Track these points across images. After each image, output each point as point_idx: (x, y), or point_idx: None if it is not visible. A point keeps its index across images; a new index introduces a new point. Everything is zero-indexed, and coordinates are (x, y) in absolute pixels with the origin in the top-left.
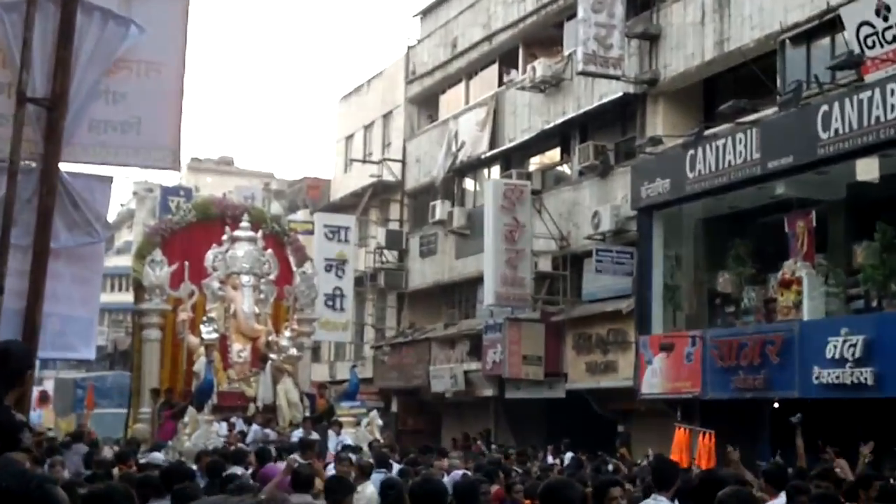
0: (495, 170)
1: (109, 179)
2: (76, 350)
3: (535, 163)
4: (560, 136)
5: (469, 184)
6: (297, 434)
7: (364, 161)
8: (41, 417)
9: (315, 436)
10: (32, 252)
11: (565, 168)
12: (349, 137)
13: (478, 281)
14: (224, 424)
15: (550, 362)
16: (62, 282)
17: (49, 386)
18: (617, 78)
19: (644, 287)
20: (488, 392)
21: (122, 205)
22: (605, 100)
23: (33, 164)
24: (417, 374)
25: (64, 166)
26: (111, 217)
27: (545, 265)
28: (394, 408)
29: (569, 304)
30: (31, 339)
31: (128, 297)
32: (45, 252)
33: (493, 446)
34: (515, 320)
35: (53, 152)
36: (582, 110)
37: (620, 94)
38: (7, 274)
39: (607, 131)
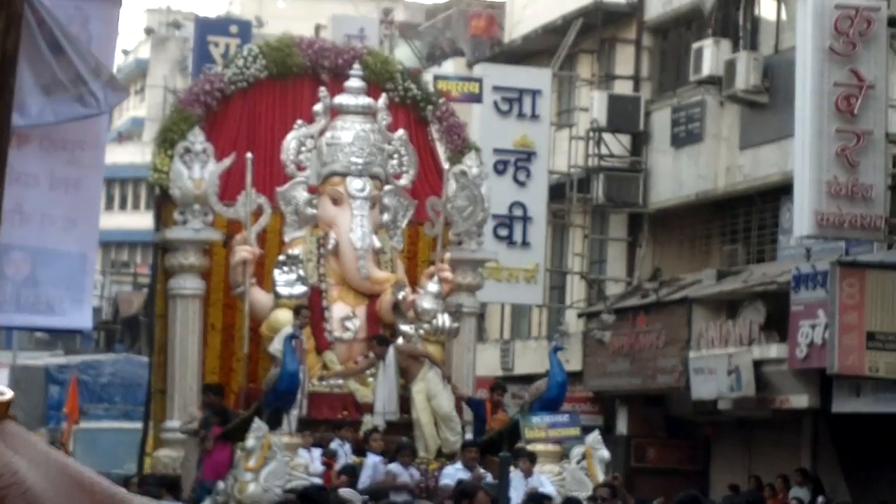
0: None
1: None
2: (59, 312)
3: None
4: None
5: (766, 7)
6: (451, 473)
7: None
8: None
9: (487, 477)
10: None
11: None
12: None
13: (781, 192)
14: (318, 453)
15: None
16: (35, 188)
17: (2, 377)
18: None
19: None
20: (801, 401)
21: (125, 52)
22: None
23: None
24: (666, 367)
25: None
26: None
27: None
28: (621, 427)
29: None
30: None
31: (140, 221)
32: (2, 135)
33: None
34: (853, 266)
35: None
36: None
37: None
38: None
39: None
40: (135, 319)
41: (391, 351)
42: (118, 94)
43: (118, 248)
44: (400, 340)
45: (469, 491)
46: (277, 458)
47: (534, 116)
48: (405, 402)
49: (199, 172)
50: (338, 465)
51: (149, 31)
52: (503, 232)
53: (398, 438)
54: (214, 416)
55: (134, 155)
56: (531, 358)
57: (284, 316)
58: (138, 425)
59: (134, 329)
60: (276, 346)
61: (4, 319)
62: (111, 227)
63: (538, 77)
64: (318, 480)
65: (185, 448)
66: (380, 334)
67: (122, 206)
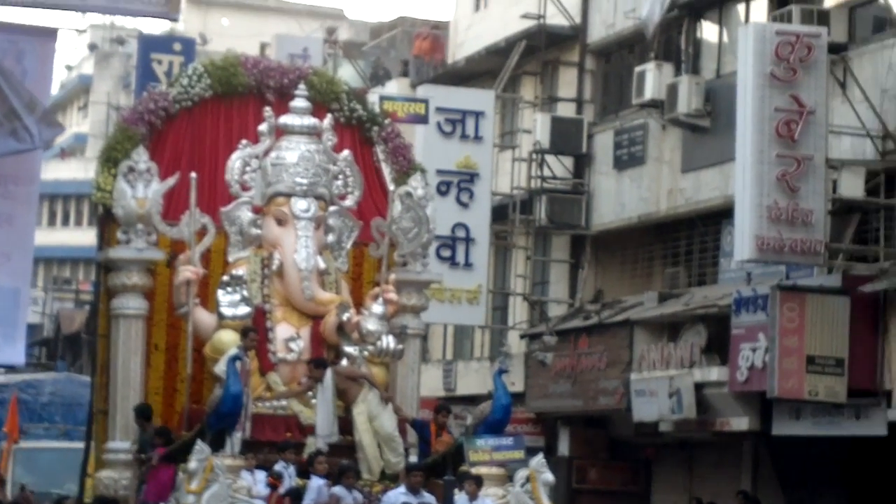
0: (758, 5)
1: (52, 34)
2: None
3: None
4: None
5: (708, 31)
6: (394, 498)
7: None
8: None
9: (429, 500)
10: None
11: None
12: None
13: (722, 215)
14: (262, 474)
15: (858, 371)
16: None
17: None
18: None
19: None
20: (741, 424)
21: (68, 68)
22: None
23: None
24: (607, 388)
25: None
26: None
27: (852, 187)
28: (563, 448)
29: None
30: None
31: (82, 238)
32: None
33: None
34: (793, 290)
35: None
36: None
37: None
38: None
39: None
40: (76, 337)
41: (328, 373)
42: (53, 129)
43: (60, 264)
44: (344, 362)
45: None
46: (220, 480)
47: (477, 138)
48: (346, 424)
49: (142, 191)
50: (282, 488)
51: (92, 47)
52: (446, 253)
53: (341, 461)
54: (157, 436)
55: (77, 171)
56: (473, 378)
57: (228, 337)
58: (79, 445)
59: (75, 346)
60: (220, 367)
61: None
62: (53, 244)
63: (481, 98)
64: (259, 503)
65: (130, 469)
66: (317, 357)
67: (65, 222)
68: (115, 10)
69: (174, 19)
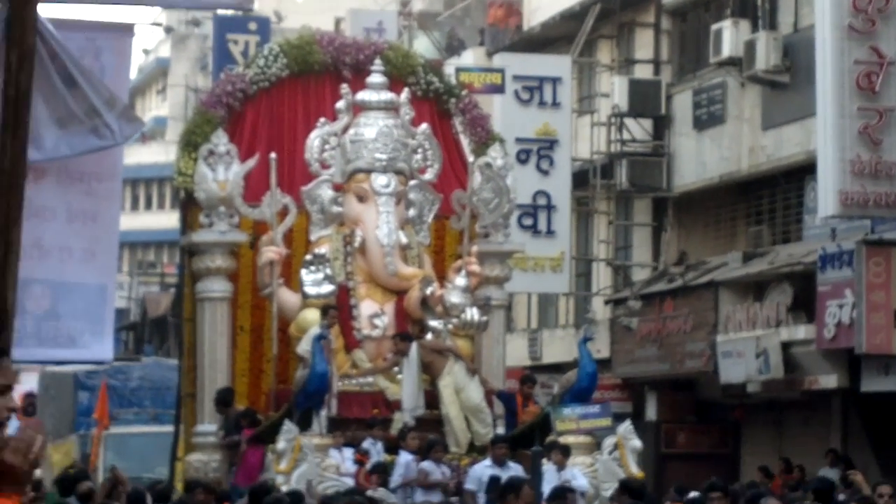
0: None
1: (129, 29)
2: (80, 345)
3: None
4: None
5: None
6: (479, 471)
7: None
8: None
9: (516, 471)
10: None
11: None
12: None
13: (805, 171)
14: (349, 452)
15: None
16: (53, 222)
17: (29, 383)
18: None
19: None
20: (829, 381)
21: (146, 52)
22: None
23: None
24: (694, 351)
25: (48, 9)
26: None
27: None
28: (650, 413)
29: None
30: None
31: (165, 221)
32: (19, 170)
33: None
34: (879, 245)
35: None
36: None
37: None
38: None
39: None
40: (163, 320)
41: (414, 347)
42: (133, 124)
43: (144, 248)
44: (429, 336)
45: (505, 488)
46: (308, 459)
47: (555, 104)
48: (432, 398)
49: (223, 174)
50: (369, 464)
51: (168, 30)
52: (528, 221)
53: (428, 435)
54: (242, 418)
55: (158, 154)
56: (559, 346)
57: (313, 315)
58: (169, 429)
59: (162, 330)
60: (303, 347)
61: (26, 354)
62: (137, 228)
63: (558, 64)
64: (349, 481)
65: (220, 452)
66: (402, 332)
67: (148, 205)
68: (191, 4)
69: (250, 9)
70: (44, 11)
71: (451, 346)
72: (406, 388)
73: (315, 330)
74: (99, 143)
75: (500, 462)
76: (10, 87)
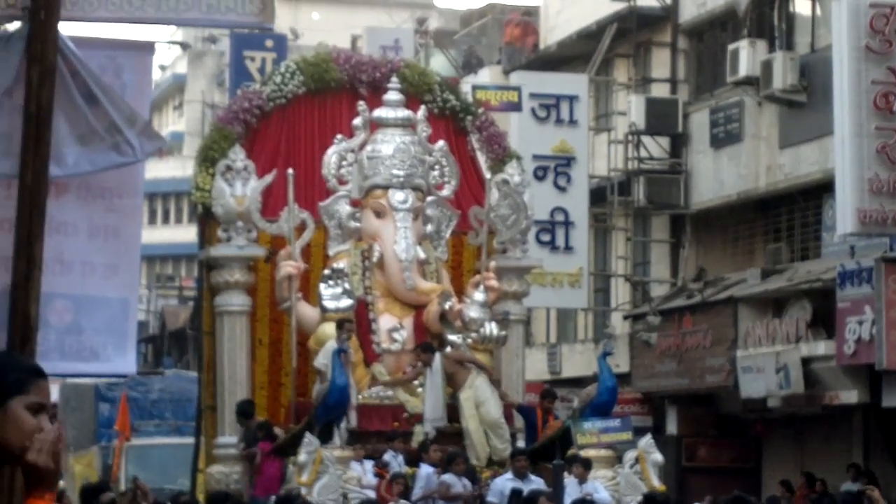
0: None
1: (149, 47)
2: (103, 359)
3: None
4: None
5: (801, 6)
6: (500, 484)
7: None
8: None
9: (537, 484)
10: (19, 186)
11: None
12: None
13: (823, 189)
14: (370, 465)
15: None
16: (74, 237)
17: (52, 395)
18: None
19: None
20: (850, 397)
21: (162, 68)
22: None
23: (11, 27)
24: (714, 366)
25: (69, 27)
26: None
27: None
28: (671, 427)
29: None
30: (23, 342)
31: (183, 235)
32: (41, 186)
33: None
34: None
35: (50, 3)
36: None
37: None
38: None
39: None
40: (182, 333)
41: (437, 358)
42: (154, 141)
43: (162, 261)
44: (448, 350)
45: (536, 498)
46: (330, 471)
47: (572, 122)
48: (453, 411)
49: (241, 189)
50: (389, 476)
51: (185, 46)
52: (545, 237)
53: (449, 448)
54: (258, 430)
55: (175, 169)
56: (578, 361)
57: (331, 329)
58: (190, 440)
59: (181, 342)
60: (320, 361)
61: (49, 367)
62: (155, 241)
63: (575, 83)
64: (370, 493)
65: (241, 464)
66: (425, 342)
67: (165, 219)
68: (210, 23)
69: (270, 28)
70: (65, 29)
71: (474, 357)
72: (429, 399)
73: (332, 344)
74: (120, 160)
75: (520, 475)
76: (32, 103)
